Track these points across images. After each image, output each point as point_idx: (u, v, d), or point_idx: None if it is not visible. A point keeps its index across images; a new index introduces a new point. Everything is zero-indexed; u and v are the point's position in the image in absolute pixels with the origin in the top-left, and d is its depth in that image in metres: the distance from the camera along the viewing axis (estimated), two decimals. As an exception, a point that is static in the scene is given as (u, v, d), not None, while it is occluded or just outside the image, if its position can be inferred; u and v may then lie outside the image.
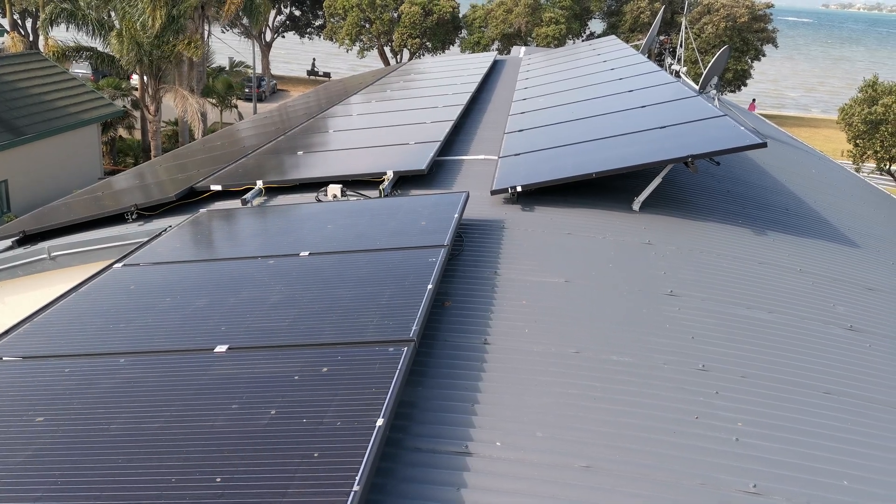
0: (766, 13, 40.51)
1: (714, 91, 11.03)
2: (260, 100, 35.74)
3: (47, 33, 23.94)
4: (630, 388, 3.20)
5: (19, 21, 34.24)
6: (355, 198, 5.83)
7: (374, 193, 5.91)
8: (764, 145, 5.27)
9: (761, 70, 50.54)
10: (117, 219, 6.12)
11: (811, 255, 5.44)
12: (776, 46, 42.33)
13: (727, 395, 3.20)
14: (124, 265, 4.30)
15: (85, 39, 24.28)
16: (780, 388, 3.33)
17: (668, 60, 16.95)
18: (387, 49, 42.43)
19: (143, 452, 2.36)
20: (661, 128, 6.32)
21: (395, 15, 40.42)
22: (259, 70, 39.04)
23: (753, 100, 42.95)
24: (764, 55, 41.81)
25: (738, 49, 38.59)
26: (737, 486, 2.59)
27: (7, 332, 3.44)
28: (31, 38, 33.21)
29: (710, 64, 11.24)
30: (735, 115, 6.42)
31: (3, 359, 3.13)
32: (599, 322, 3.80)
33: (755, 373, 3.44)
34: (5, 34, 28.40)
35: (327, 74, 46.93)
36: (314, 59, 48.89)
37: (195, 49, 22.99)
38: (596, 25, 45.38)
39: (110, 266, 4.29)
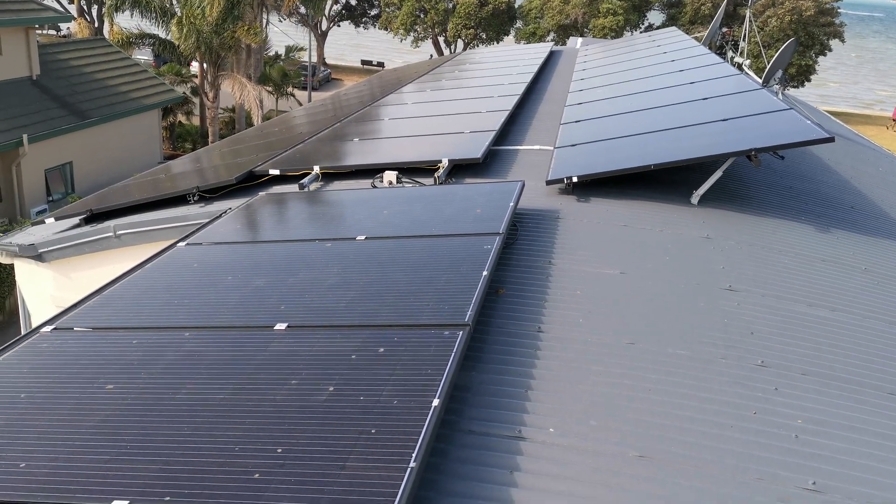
0: (834, 6, 39.14)
1: (778, 86, 10.75)
2: (314, 88, 36.13)
3: (112, 20, 24.65)
4: (686, 380, 3.16)
5: (86, 8, 35.29)
6: (410, 185, 5.87)
7: (429, 181, 5.94)
8: (831, 139, 5.12)
9: (826, 66, 48.93)
10: (179, 200, 6.28)
11: (877, 254, 5.27)
12: (843, 41, 40.88)
13: (786, 391, 3.14)
14: (188, 244, 4.42)
15: (148, 26, 24.94)
16: (841, 387, 3.25)
17: (731, 53, 16.54)
18: (440, 39, 42.43)
19: (208, 422, 2.44)
20: (723, 120, 6.19)
21: (451, 5, 40.36)
22: (314, 59, 39.45)
23: None
24: (830, 50, 40.43)
25: (803, 44, 37.36)
26: (795, 483, 2.55)
27: (78, 304, 3.58)
28: (96, 25, 34.21)
29: (774, 57, 10.94)
30: (800, 110, 6.26)
31: (75, 329, 3.26)
32: (655, 314, 3.76)
33: (816, 370, 3.36)
34: (72, 20, 29.34)
35: (381, 64, 46.89)
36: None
37: (255, 35, 23.37)
38: (655, 17, 44.52)
39: (174, 245, 4.42)
